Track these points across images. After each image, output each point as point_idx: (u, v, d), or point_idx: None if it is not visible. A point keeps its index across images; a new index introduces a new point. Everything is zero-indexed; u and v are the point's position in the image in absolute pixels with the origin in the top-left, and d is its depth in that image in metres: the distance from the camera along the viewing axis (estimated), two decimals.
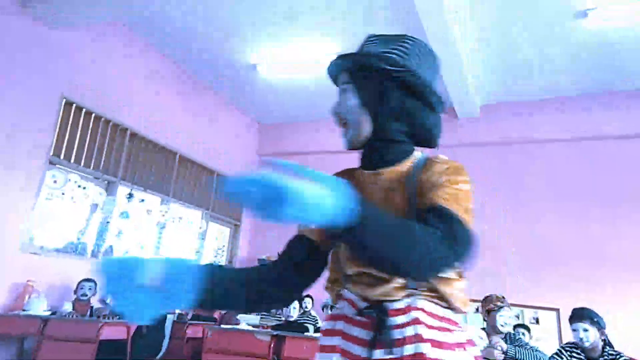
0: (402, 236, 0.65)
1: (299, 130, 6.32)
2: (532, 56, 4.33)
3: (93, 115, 4.11)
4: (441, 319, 0.77)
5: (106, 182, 4.34)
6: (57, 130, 3.79)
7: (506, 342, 2.51)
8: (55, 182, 3.82)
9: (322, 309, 4.61)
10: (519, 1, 3.60)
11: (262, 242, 6.17)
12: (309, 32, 4.28)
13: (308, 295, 4.92)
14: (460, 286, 0.81)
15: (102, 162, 4.19)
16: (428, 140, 0.92)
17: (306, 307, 4.81)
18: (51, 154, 3.74)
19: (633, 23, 3.72)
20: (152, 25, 4.40)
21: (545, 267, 4.54)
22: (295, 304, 4.36)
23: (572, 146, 4.91)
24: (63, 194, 3.91)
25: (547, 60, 4.37)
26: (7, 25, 3.44)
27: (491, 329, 2.58)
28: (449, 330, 0.77)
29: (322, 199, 0.55)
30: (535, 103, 5.09)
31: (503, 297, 2.64)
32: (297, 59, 4.73)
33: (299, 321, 4.34)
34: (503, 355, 2.41)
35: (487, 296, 2.69)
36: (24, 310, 3.32)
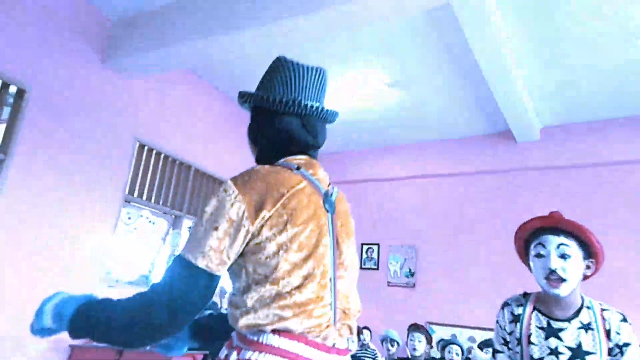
0: (98, 328, 0.79)
1: (346, 160, 6.40)
2: (595, 75, 4.14)
3: (162, 155, 4.44)
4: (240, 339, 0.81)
5: (173, 216, 4.61)
6: (132, 170, 4.12)
7: None
8: (129, 218, 4.13)
9: (382, 343, 4.50)
10: (577, 19, 3.50)
11: None
12: (359, 69, 4.40)
13: (366, 327, 4.83)
14: (238, 304, 0.80)
15: (170, 198, 4.47)
16: (292, 144, 0.92)
17: (364, 340, 4.72)
18: (126, 192, 4.06)
19: None
20: (214, 70, 4.74)
21: (619, 298, 4.15)
22: (354, 336, 4.28)
23: None
24: (135, 229, 4.21)
25: (611, 78, 4.16)
26: (90, 78, 3.85)
27: None
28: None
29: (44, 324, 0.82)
30: (599, 123, 4.82)
31: None
32: (344, 91, 4.86)
33: (357, 355, 4.26)
34: None
35: None
36: None
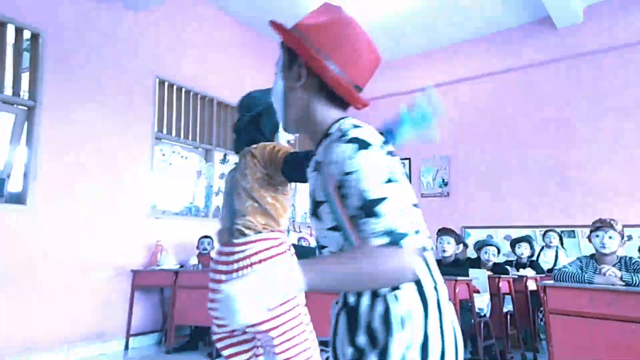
0: None
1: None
2: None
3: (183, 90, 4.46)
4: None
5: (204, 150, 4.75)
6: (157, 108, 4.20)
7: (620, 268, 2.36)
8: (163, 155, 4.30)
9: None
10: None
11: None
12: None
13: None
14: None
15: (198, 132, 4.58)
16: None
17: None
18: (155, 130, 4.18)
19: None
20: None
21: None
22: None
23: None
24: (170, 164, 4.40)
25: None
26: (100, 14, 3.80)
27: (597, 253, 2.48)
28: None
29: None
30: None
31: (609, 220, 2.43)
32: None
33: None
34: (622, 282, 2.26)
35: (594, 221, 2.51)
36: (157, 265, 3.91)
